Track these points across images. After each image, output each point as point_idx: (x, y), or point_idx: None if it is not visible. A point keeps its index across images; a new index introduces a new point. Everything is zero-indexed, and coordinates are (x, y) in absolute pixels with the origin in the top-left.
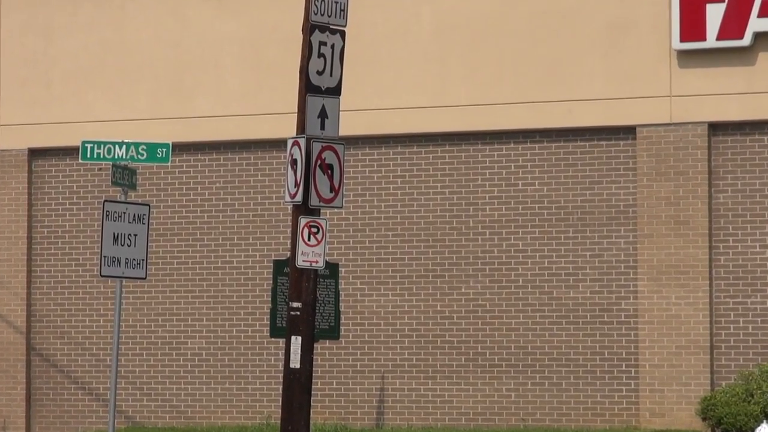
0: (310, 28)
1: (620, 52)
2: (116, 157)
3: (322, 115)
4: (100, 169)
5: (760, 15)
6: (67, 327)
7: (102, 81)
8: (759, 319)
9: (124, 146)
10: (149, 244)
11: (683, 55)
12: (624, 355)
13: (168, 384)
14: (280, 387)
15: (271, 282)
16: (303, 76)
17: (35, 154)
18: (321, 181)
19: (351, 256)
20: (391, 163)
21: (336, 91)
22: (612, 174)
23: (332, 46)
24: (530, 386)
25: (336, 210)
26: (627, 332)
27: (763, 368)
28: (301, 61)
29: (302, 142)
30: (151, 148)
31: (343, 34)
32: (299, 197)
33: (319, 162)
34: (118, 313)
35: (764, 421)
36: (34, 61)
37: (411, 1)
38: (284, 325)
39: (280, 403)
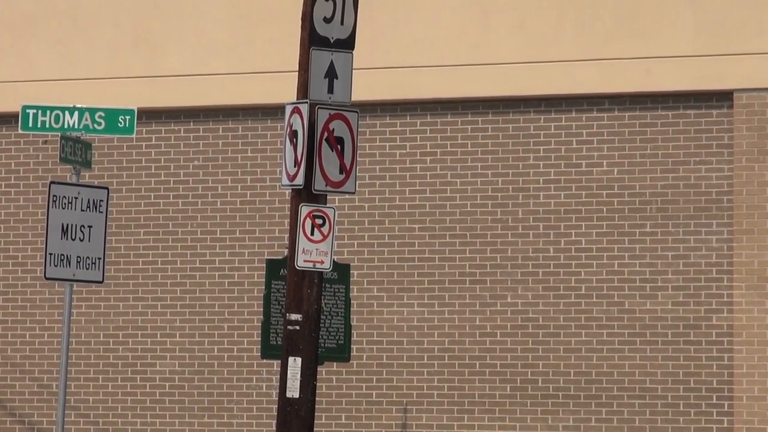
0: None
1: None
2: (66, 126)
3: (331, 74)
4: (45, 142)
5: None
6: (1, 344)
7: (48, 29)
8: None
9: (77, 113)
10: (108, 237)
11: None
12: (715, 385)
13: (130, 417)
14: (274, 422)
15: (264, 288)
16: (306, 25)
17: None
18: (328, 159)
19: (366, 256)
20: (419, 136)
21: (348, 43)
22: (702, 152)
23: None
24: (594, 423)
25: (347, 196)
26: (719, 355)
27: None
28: (304, 6)
29: (304, 108)
30: (111, 115)
31: None
32: (300, 180)
33: (326, 134)
34: (66, 327)
35: None
36: None
37: None
38: (279, 342)
39: None
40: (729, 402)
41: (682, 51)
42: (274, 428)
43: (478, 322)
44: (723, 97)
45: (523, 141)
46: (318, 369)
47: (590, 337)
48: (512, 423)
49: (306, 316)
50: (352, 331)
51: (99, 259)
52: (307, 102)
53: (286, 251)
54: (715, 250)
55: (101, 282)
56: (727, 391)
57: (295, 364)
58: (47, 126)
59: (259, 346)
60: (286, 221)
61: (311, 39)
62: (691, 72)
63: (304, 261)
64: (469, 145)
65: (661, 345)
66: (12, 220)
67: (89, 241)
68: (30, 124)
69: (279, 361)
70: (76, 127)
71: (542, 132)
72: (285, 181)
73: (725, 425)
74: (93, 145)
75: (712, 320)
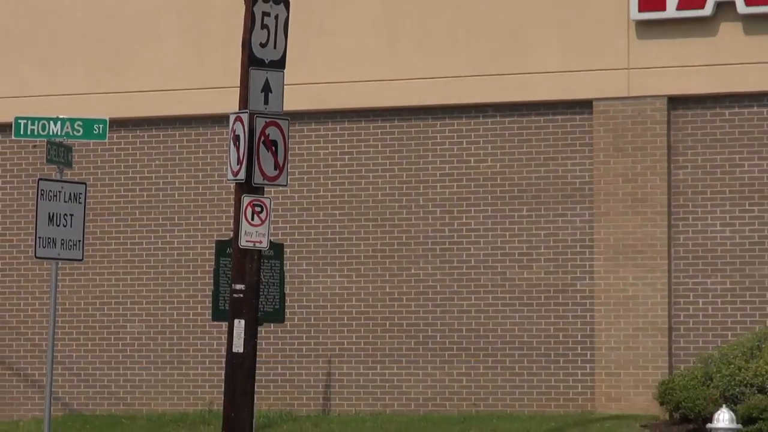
0: None
1: (577, 22)
2: (51, 133)
3: (266, 89)
4: (34, 146)
5: None
6: (0, 311)
7: (34, 53)
8: (719, 300)
9: (59, 122)
10: (86, 224)
11: (642, 25)
12: (579, 338)
13: (106, 369)
14: (223, 372)
15: (213, 263)
16: (246, 49)
17: None
18: (265, 158)
19: (296, 236)
20: (338, 139)
21: (280, 64)
22: (567, 150)
23: (276, 17)
24: (482, 370)
25: (280, 188)
26: (582, 314)
27: (722, 351)
28: (244, 33)
29: (245, 117)
30: (88, 124)
31: (287, 3)
32: (242, 175)
33: (262, 138)
34: (54, 296)
35: (723, 405)
36: None
37: None
38: (227, 308)
39: (223, 390)
40: (591, 352)
41: (550, 68)
42: (224, 378)
43: (387, 290)
44: (584, 105)
45: (423, 142)
46: (258, 329)
47: (478, 301)
48: (416, 371)
49: (248, 286)
50: (286, 298)
51: (79, 241)
52: (247, 112)
53: (231, 234)
54: (578, 229)
55: (81, 260)
56: (589, 343)
57: (239, 325)
58: (36, 133)
59: (210, 311)
60: (231, 209)
61: (250, 60)
62: (558, 85)
63: (246, 241)
64: (379, 146)
65: (536, 307)
66: (8, 210)
67: (71, 226)
68: (22, 132)
69: (227, 323)
70: (59, 134)
71: (438, 135)
72: (230, 176)
73: (588, 370)
74: (73, 148)
75: (577, 286)
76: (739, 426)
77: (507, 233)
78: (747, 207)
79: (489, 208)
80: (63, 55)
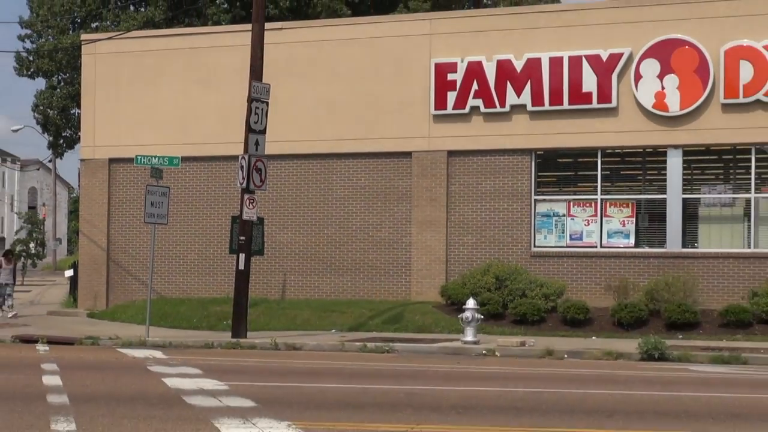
0: (251, 99)
1: (406, 114)
2: (152, 163)
3: (256, 143)
4: (146, 169)
5: (474, 97)
6: (128, 248)
7: (146, 125)
8: (470, 247)
9: (157, 158)
10: (169, 206)
11: (436, 116)
12: (403, 265)
13: (178, 276)
14: (234, 278)
15: (230, 226)
16: (247, 125)
17: (112, 161)
18: (255, 176)
19: (270, 214)
20: (291, 168)
21: (263, 131)
22: (400, 176)
23: (262, 109)
24: (358, 280)
25: (263, 191)
26: (406, 254)
27: (471, 271)
28: (246, 117)
29: (246, 157)
30: (171, 159)
31: (267, 103)
32: (245, 184)
33: (254, 167)
34: (153, 241)
35: (471, 297)
36: (112, 115)
37: (300, 88)
38: (236, 247)
39: (234, 287)
40: (409, 271)
41: (393, 135)
42: (234, 281)
43: (314, 241)
44: (407, 155)
45: (332, 171)
46: (251, 258)
47: (355, 246)
48: (326, 279)
49: (246, 238)
50: (264, 244)
51: (165, 215)
52: (248, 155)
53: (239, 212)
54: (404, 213)
55: (166, 224)
56: (408, 268)
57: (242, 256)
58: (145, 163)
59: (228, 249)
60: (239, 201)
61: (249, 130)
62: (395, 144)
63: (246, 216)
64: (311, 173)
65: (383, 250)
66: (132, 199)
67: (162, 208)
68: (139, 162)
69: (236, 255)
70: (156, 163)
71: (340, 168)
72: (238, 184)
73: (407, 280)
74: (163, 170)
75: (403, 240)
76: (479, 307)
77: (371, 215)
78: (482, 204)
79: (363, 202)
80: (158, 125)
